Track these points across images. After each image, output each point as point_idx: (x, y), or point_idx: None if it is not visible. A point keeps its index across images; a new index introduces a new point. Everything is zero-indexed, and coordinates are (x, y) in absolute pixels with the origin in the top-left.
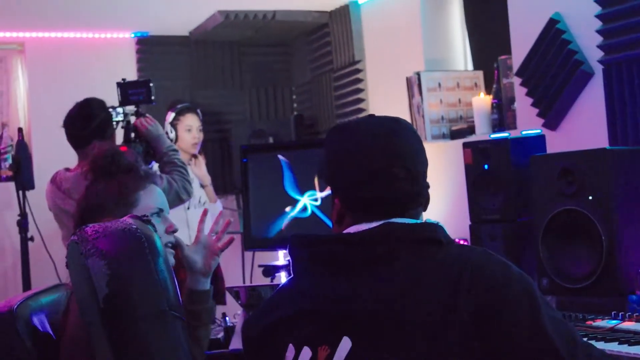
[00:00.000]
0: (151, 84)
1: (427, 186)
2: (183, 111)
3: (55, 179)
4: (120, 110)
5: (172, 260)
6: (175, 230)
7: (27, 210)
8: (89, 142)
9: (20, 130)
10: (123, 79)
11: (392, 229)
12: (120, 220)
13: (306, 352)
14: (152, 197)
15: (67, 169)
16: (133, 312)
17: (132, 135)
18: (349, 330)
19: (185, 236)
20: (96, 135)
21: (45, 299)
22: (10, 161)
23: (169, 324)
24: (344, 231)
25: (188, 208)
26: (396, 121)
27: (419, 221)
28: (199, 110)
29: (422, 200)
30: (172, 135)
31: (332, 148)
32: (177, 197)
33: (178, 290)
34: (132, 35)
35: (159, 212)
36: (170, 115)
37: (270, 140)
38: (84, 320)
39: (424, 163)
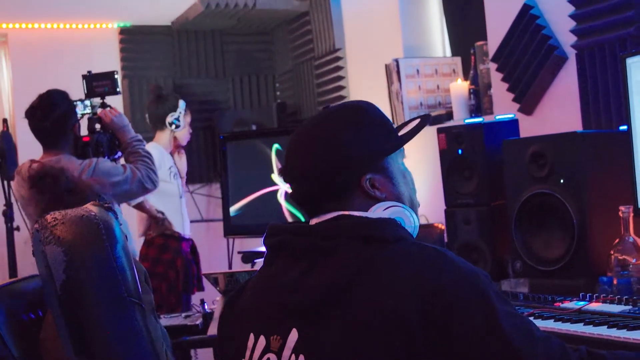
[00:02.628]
0: (116, 75)
1: (360, 172)
2: (186, 107)
3: (20, 170)
4: (87, 102)
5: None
6: None
7: (13, 200)
8: (50, 132)
9: (5, 121)
10: (88, 72)
11: (336, 224)
12: (82, 207)
13: (261, 342)
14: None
15: (33, 161)
16: (89, 298)
17: (97, 126)
18: (296, 321)
19: (179, 225)
20: (57, 126)
21: (23, 288)
22: None
23: (127, 310)
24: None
25: (181, 197)
26: (325, 115)
27: (371, 216)
28: None
29: (352, 192)
30: (182, 124)
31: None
32: (142, 187)
33: (137, 276)
34: (116, 25)
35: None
36: (183, 104)
37: (253, 128)
38: (48, 307)
39: (350, 155)
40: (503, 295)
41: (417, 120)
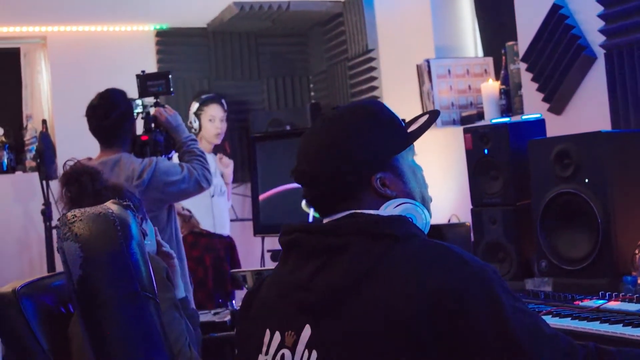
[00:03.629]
0: (170, 76)
1: (370, 172)
2: (207, 102)
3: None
4: (139, 102)
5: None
6: None
7: (51, 199)
8: (110, 131)
9: (44, 122)
10: (142, 71)
11: (347, 223)
12: (101, 205)
13: (277, 337)
14: None
15: (89, 159)
16: (104, 293)
17: (152, 125)
18: (310, 317)
19: (210, 224)
20: (117, 125)
21: (55, 283)
22: (34, 152)
23: (142, 306)
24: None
25: (212, 196)
26: (333, 116)
27: (383, 214)
28: (223, 101)
29: (363, 192)
30: (196, 125)
31: None
32: (198, 185)
33: (152, 272)
34: (153, 28)
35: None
36: (194, 106)
37: (287, 128)
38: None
39: (359, 155)
40: (512, 291)
41: (426, 116)
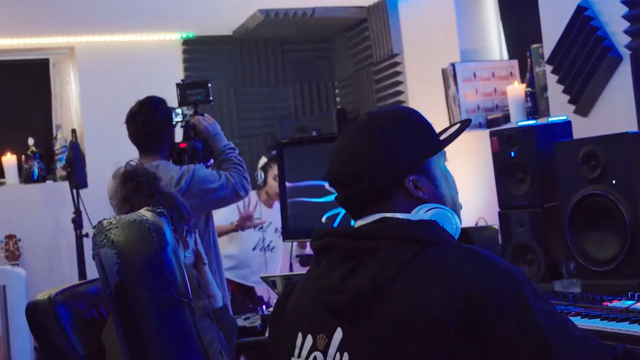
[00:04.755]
0: (209, 85)
1: (403, 174)
2: (275, 160)
3: (116, 175)
4: (179, 111)
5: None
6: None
7: (82, 208)
8: (149, 138)
9: (73, 131)
10: (182, 80)
11: (378, 227)
12: (136, 212)
13: (309, 341)
14: None
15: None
16: (141, 298)
17: (191, 133)
18: (341, 320)
19: (240, 275)
20: (157, 132)
21: (89, 289)
22: (64, 161)
23: (178, 310)
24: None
25: (253, 249)
26: (368, 120)
27: (413, 218)
28: None
29: (396, 194)
30: (261, 180)
31: None
32: (235, 193)
33: (187, 277)
34: (179, 36)
35: None
36: (263, 160)
37: (314, 134)
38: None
39: (393, 157)
40: (541, 294)
41: (458, 125)
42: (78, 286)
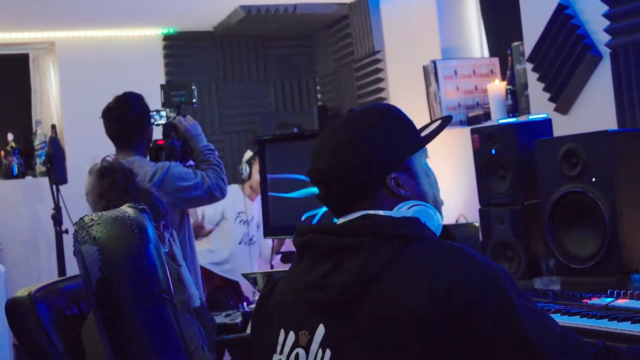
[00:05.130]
0: (193, 87)
1: (385, 171)
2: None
3: (93, 169)
4: (163, 113)
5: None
6: None
7: (61, 204)
8: (125, 134)
9: (53, 127)
10: (168, 81)
11: (360, 223)
12: (118, 209)
13: (291, 337)
14: None
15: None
16: (123, 295)
17: (171, 132)
18: (323, 317)
19: (227, 268)
20: (132, 127)
21: (66, 287)
22: (44, 157)
23: (160, 307)
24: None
25: (239, 243)
26: (349, 118)
27: (395, 214)
28: None
29: (378, 191)
30: (246, 173)
31: None
32: (210, 194)
33: (169, 274)
34: (160, 32)
35: None
36: (248, 154)
37: (295, 130)
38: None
39: (375, 154)
40: (523, 291)
41: (439, 122)
42: (58, 283)
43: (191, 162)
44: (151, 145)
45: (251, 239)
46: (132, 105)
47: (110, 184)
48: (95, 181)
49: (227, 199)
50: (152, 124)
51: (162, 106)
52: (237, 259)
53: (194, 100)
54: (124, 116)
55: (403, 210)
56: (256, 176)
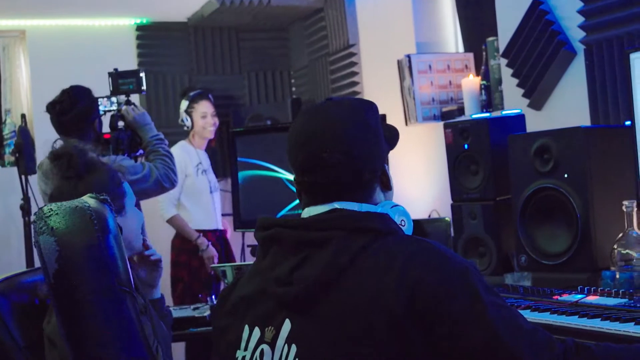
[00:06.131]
0: (142, 74)
1: (375, 168)
2: (196, 98)
3: (41, 165)
4: (114, 99)
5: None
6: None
7: (30, 194)
8: (69, 128)
9: (23, 116)
10: (115, 69)
11: (328, 217)
12: (78, 199)
13: (256, 333)
14: (130, 190)
15: None
16: (80, 287)
17: (121, 123)
18: (289, 312)
19: (208, 221)
20: (77, 121)
21: (27, 280)
22: (13, 147)
23: (118, 299)
24: (302, 214)
25: (211, 192)
26: (339, 104)
27: (364, 208)
28: (210, 96)
29: (368, 183)
30: (188, 123)
31: (289, 132)
32: (160, 185)
33: (129, 266)
34: (133, 22)
35: (137, 202)
36: (184, 104)
37: (268, 123)
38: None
39: (368, 146)
40: (492, 287)
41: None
42: (19, 275)
43: (141, 152)
44: (99, 139)
45: (214, 186)
46: (78, 99)
47: (65, 163)
48: (49, 165)
49: (184, 155)
50: (100, 115)
51: (111, 94)
52: (213, 207)
53: (142, 88)
54: (68, 110)
55: (386, 208)
56: (199, 121)
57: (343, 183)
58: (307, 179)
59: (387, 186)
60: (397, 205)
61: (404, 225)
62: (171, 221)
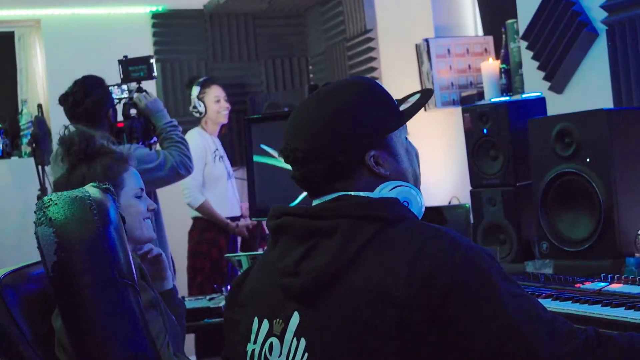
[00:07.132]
0: (152, 60)
1: (363, 150)
2: (207, 83)
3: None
4: (125, 87)
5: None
6: (154, 209)
7: (47, 185)
8: (84, 119)
9: (39, 106)
10: (124, 56)
11: (336, 205)
12: (80, 188)
13: (265, 326)
14: (135, 179)
15: None
16: (80, 280)
17: (133, 111)
18: (298, 304)
19: (226, 208)
20: (90, 112)
21: (36, 272)
22: (30, 137)
23: (119, 292)
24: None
25: (229, 178)
26: (327, 92)
27: (374, 195)
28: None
29: (347, 171)
30: (202, 108)
31: None
32: (175, 173)
33: (130, 258)
34: (149, 10)
35: (141, 192)
36: (195, 89)
37: (286, 110)
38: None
39: (352, 132)
40: (509, 275)
41: (418, 95)
42: (28, 267)
43: (155, 139)
44: (112, 128)
45: (230, 172)
46: (90, 90)
47: (69, 146)
48: (57, 150)
49: (203, 141)
50: (114, 105)
51: (122, 82)
52: (231, 194)
53: (153, 74)
54: (82, 102)
55: (384, 191)
56: (212, 106)
57: (332, 174)
58: (296, 172)
59: (373, 172)
60: (398, 186)
61: (407, 206)
62: (201, 208)
